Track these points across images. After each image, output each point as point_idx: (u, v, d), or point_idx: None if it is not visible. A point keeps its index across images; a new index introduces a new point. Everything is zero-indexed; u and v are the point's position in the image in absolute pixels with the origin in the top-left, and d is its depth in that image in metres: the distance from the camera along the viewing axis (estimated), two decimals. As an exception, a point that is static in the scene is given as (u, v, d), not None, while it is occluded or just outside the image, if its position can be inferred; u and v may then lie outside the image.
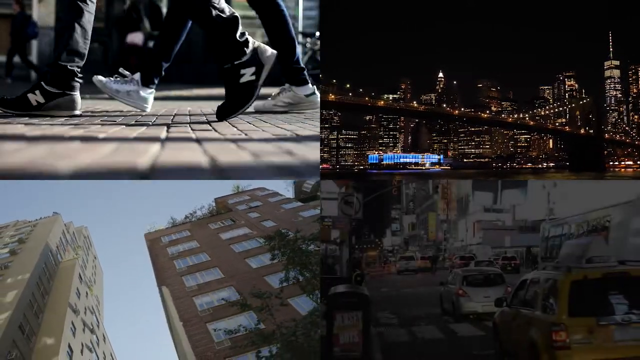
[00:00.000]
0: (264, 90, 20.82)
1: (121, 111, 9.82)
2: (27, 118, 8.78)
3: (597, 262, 8.80)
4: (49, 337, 26.93)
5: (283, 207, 38.07)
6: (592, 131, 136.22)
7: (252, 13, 9.40)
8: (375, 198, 36.09)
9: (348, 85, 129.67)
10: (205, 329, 20.48)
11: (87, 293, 37.60)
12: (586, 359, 7.87)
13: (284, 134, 7.91)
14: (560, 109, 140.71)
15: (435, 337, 16.47)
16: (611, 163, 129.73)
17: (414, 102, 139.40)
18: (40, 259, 32.77)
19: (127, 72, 8.90)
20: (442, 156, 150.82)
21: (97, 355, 33.23)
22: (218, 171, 5.25)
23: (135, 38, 23.92)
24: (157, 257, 31.37)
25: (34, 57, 25.32)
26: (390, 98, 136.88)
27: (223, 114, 8.56)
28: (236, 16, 8.42)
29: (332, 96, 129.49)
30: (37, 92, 8.35)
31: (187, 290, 24.94)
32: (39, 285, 30.23)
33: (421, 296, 29.13)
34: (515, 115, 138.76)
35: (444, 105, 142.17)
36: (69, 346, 27.65)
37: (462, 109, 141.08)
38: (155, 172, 4.99)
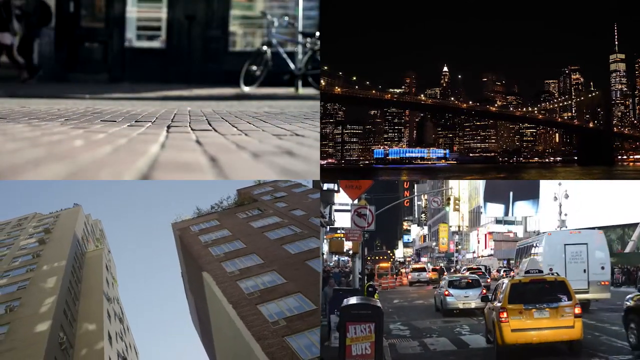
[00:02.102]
0: (265, 90, 20.80)
1: (121, 111, 9.87)
2: (27, 118, 8.87)
3: (530, 273, 14.87)
4: (90, 324, 27.96)
5: (310, 197, 38.84)
6: (600, 125, 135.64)
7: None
8: (387, 210, 36.72)
9: (354, 78, 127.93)
10: (257, 310, 20.87)
11: (112, 283, 38.48)
12: (517, 327, 13.72)
13: (283, 134, 7.97)
14: (567, 102, 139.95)
15: (447, 349, 16.56)
16: (619, 157, 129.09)
17: (422, 95, 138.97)
18: (71, 247, 33.79)
19: None
20: (448, 151, 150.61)
21: (125, 344, 33.92)
22: (218, 171, 5.31)
23: (4, 38, 23.94)
24: (190, 245, 31.97)
25: (35, 56, 25.44)
26: (397, 92, 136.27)
27: None
28: None
29: (338, 89, 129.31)
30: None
31: (230, 275, 25.40)
32: (73, 273, 31.06)
33: (432, 307, 29.25)
34: (524, 109, 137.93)
35: (452, 99, 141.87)
36: (109, 333, 28.67)
37: (470, 102, 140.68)
38: (155, 172, 5.04)
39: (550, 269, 19.12)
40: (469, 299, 24.97)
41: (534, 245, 28.55)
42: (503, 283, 15.49)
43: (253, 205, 39.30)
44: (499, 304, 14.36)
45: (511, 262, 53.94)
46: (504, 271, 52.56)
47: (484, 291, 24.60)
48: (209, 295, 26.14)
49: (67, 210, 46.59)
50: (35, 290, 26.94)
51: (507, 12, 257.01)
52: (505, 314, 13.86)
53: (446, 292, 25.84)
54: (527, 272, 15.04)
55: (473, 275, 30.99)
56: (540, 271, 15.10)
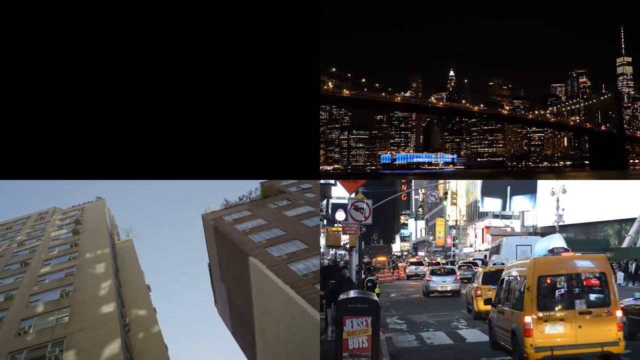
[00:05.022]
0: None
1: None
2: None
3: (496, 265, 26.30)
4: (139, 309, 29.29)
5: (337, 187, 40.18)
6: (611, 127, 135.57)
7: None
8: (384, 204, 38.93)
9: (364, 80, 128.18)
10: (315, 289, 21.80)
11: (142, 274, 39.58)
12: (485, 298, 21.96)
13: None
14: (575, 106, 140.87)
15: (443, 343, 17.25)
16: (630, 161, 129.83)
17: (432, 98, 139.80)
18: (108, 236, 35.59)
19: None
20: (455, 156, 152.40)
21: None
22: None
23: None
24: (228, 233, 33.02)
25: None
26: (406, 96, 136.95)
27: None
28: None
29: (347, 92, 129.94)
30: None
31: (278, 259, 26.16)
32: (114, 261, 32.35)
33: (430, 301, 31.55)
34: (535, 112, 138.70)
35: (464, 102, 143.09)
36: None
37: (482, 105, 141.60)
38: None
39: (507, 261, 28.95)
40: (446, 284, 33.71)
41: (499, 245, 43.06)
42: (479, 272, 25.42)
43: (282, 196, 40.02)
44: (476, 285, 23.17)
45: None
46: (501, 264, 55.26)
47: (457, 277, 35.35)
48: (257, 279, 26.46)
49: (92, 203, 48.92)
50: (84, 276, 28.29)
51: (509, 12, 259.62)
52: (479, 291, 22.37)
53: (428, 279, 34.53)
54: (494, 264, 25.98)
55: (449, 266, 41.05)
56: (503, 264, 23.72)
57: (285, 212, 35.59)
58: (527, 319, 11.82)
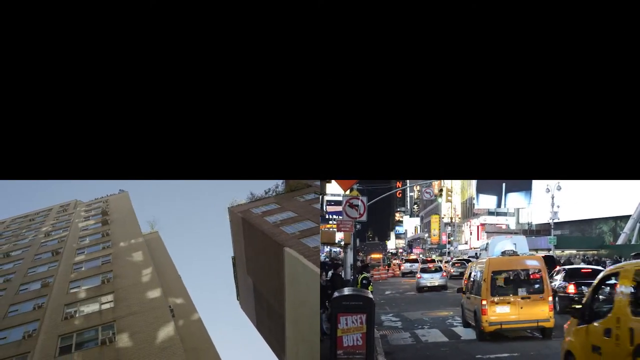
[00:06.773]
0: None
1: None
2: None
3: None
4: (176, 298, 30.09)
5: (362, 180, 40.59)
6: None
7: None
8: (379, 201, 40.16)
9: None
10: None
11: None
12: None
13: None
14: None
15: (438, 340, 17.38)
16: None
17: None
18: (138, 227, 36.37)
19: None
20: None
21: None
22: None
23: None
24: (259, 225, 33.42)
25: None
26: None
27: None
28: None
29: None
30: None
31: (314, 250, 26.67)
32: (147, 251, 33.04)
33: (424, 299, 32.44)
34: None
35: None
36: (193, 307, 30.63)
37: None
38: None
39: None
40: (434, 280, 38.10)
41: (487, 244, 46.61)
42: (467, 266, 28.66)
43: (309, 189, 39.61)
44: (464, 277, 25.26)
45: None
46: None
47: (444, 274, 40.17)
48: (291, 269, 26.60)
49: (115, 195, 49.39)
50: (122, 263, 28.87)
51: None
52: (466, 282, 23.35)
53: (418, 276, 39.23)
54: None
55: (437, 264, 45.50)
56: None
57: (314, 205, 35.56)
58: (484, 302, 16.45)
